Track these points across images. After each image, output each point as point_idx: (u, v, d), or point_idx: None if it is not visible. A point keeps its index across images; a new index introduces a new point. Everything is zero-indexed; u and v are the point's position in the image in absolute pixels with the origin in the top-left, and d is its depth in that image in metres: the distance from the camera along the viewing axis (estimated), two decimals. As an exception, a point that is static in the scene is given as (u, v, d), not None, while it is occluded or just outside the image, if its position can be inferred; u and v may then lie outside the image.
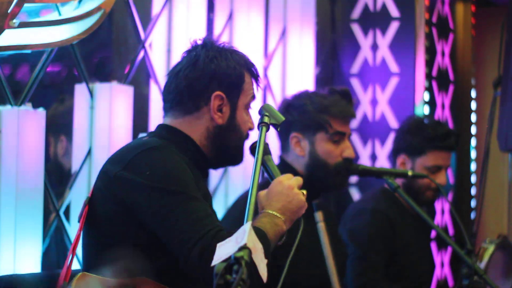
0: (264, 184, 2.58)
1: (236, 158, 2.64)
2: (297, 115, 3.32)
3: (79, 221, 2.45)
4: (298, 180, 2.44)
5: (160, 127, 2.60)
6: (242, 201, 3.26)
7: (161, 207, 2.30)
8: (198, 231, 2.24)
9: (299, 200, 2.39)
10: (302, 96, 3.40)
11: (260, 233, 2.23)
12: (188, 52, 2.61)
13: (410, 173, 3.49)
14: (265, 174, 2.56)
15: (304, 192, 2.44)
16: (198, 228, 2.25)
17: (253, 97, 2.62)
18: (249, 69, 2.60)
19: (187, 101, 2.55)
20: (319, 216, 3.18)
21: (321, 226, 3.18)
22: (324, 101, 3.31)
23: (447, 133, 3.92)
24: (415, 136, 3.90)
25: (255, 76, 2.62)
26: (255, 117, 2.48)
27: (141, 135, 2.68)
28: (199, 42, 2.61)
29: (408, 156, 3.91)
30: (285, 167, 3.34)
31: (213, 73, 2.54)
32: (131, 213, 2.35)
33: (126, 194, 2.35)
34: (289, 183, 2.41)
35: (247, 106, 2.60)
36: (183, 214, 2.28)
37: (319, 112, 3.29)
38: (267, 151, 2.52)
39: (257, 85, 2.63)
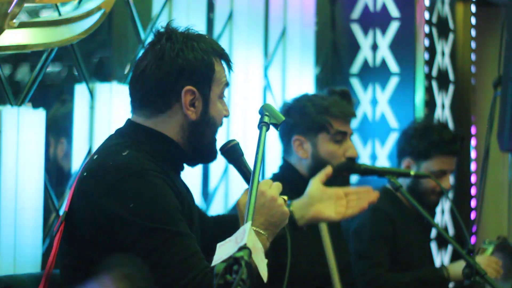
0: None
1: (209, 154, 2.50)
2: (298, 118, 3.34)
3: (54, 236, 2.37)
4: (279, 186, 2.34)
5: (133, 126, 2.45)
6: None
7: (145, 245, 2.21)
8: (184, 276, 2.18)
9: (282, 213, 2.30)
10: (302, 99, 3.42)
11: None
12: (152, 45, 2.45)
13: (412, 172, 3.50)
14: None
15: (285, 198, 2.34)
16: (184, 272, 2.18)
17: (226, 84, 2.49)
18: (219, 55, 2.47)
19: (158, 100, 2.41)
20: None
21: (322, 226, 3.19)
22: (324, 102, 3.34)
23: (453, 137, 3.94)
24: (421, 140, 3.91)
25: (226, 61, 2.48)
26: (253, 116, 2.45)
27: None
28: (162, 30, 2.45)
29: (413, 160, 3.92)
30: (288, 169, 3.37)
31: (181, 67, 2.39)
32: (115, 242, 2.26)
33: (109, 224, 2.25)
34: (272, 193, 2.30)
35: (221, 95, 2.48)
36: (167, 255, 2.20)
37: (319, 113, 3.32)
38: (240, 152, 2.44)
39: (229, 69, 2.50)
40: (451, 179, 5.60)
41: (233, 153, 2.45)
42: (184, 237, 2.24)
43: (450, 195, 5.60)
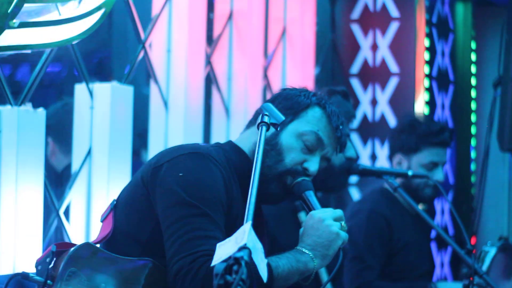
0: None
1: (270, 184, 2.44)
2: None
3: (102, 221, 2.44)
4: (335, 212, 2.37)
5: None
6: None
7: (171, 214, 2.27)
8: (184, 251, 2.21)
9: (329, 233, 2.32)
10: None
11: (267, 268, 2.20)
12: None
13: (410, 173, 3.50)
14: None
15: (343, 223, 2.36)
16: (186, 248, 2.21)
17: (316, 136, 2.46)
18: (325, 110, 2.51)
19: (252, 117, 2.57)
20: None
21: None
22: None
23: (441, 128, 3.92)
24: (409, 134, 3.90)
25: (332, 125, 2.50)
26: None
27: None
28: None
29: (403, 155, 3.90)
30: None
31: (278, 94, 2.56)
32: (153, 209, 2.32)
33: (154, 189, 2.32)
34: (320, 215, 2.34)
35: (301, 136, 2.47)
36: (183, 229, 2.24)
37: None
38: (307, 187, 2.44)
39: (331, 123, 2.50)
40: (451, 179, 5.62)
41: (297, 189, 2.45)
42: (209, 219, 2.27)
43: (450, 195, 5.60)
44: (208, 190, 2.30)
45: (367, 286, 3.63)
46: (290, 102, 2.51)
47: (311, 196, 2.44)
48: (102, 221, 2.44)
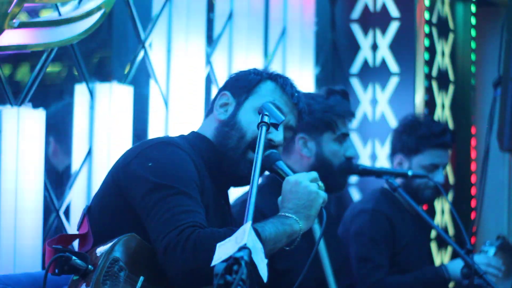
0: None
1: (233, 166, 2.50)
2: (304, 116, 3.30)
3: (78, 230, 2.42)
4: (310, 174, 2.39)
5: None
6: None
7: (149, 200, 2.28)
8: (168, 227, 2.22)
9: (308, 193, 2.33)
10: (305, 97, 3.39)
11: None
12: None
13: (410, 173, 3.49)
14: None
15: (320, 183, 2.38)
16: (170, 224, 2.22)
17: (274, 106, 2.48)
18: (277, 81, 2.58)
19: (210, 106, 2.63)
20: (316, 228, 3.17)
21: (315, 229, 3.17)
22: (328, 101, 3.30)
23: (443, 130, 3.92)
24: (410, 135, 3.89)
25: (280, 85, 2.57)
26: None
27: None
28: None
29: (404, 156, 3.90)
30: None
31: (229, 78, 2.63)
32: (129, 206, 2.33)
33: (127, 185, 2.34)
34: (295, 178, 2.37)
35: (259, 111, 2.46)
36: (163, 208, 2.25)
37: (325, 111, 3.27)
38: (276, 158, 2.48)
39: (285, 93, 2.57)
40: (451, 179, 5.62)
41: (267, 163, 2.49)
42: (186, 196, 2.29)
43: (450, 195, 5.60)
44: (180, 171, 2.34)
45: (380, 284, 3.63)
46: (241, 82, 2.58)
47: (282, 165, 2.48)
48: (78, 229, 2.43)
